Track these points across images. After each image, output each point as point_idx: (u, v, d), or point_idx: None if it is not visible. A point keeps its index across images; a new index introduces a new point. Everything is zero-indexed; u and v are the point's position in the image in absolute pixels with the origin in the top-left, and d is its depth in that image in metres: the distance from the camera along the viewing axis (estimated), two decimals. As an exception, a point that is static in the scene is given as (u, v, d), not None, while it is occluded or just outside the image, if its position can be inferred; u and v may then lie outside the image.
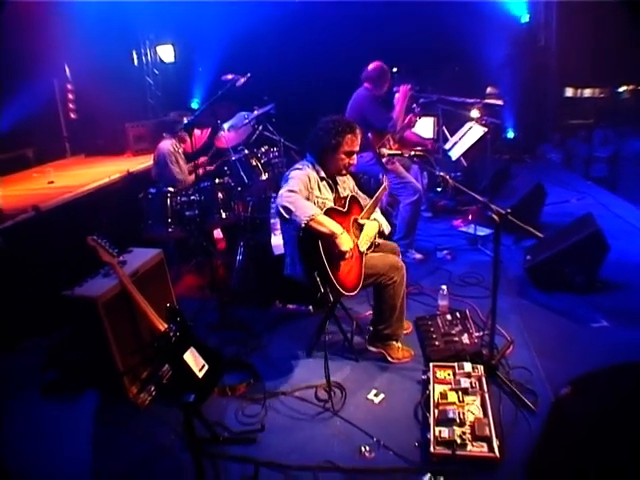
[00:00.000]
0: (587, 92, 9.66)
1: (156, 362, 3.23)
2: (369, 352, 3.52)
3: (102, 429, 3.04)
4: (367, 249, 3.25)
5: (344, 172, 3.34)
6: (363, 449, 2.68)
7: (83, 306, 3.00)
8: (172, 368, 2.82)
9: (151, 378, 3.29)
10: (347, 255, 2.90)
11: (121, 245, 3.27)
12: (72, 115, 7.53)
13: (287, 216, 2.84)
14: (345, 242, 2.88)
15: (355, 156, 3.30)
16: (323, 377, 3.24)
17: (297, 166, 3.27)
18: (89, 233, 3.06)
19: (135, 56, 8.39)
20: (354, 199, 3.32)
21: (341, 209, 3.16)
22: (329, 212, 2.98)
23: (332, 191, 3.33)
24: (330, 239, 2.88)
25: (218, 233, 5.51)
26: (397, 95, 4.81)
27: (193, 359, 2.83)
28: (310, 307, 4.11)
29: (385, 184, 3.70)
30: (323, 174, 3.27)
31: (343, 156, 3.22)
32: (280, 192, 2.96)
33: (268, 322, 4.04)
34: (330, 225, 2.87)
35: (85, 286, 3.11)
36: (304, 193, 3.03)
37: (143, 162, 6.20)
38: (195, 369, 2.80)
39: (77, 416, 3.20)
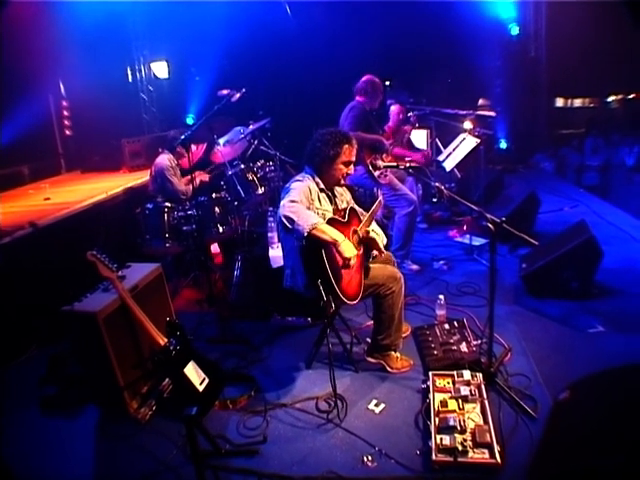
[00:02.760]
0: (577, 102, 9.82)
1: (156, 376, 3.23)
2: (368, 363, 3.53)
3: (103, 444, 3.04)
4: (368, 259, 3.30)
5: (342, 182, 3.38)
6: (365, 459, 2.69)
7: (83, 321, 3.01)
8: (173, 382, 2.83)
9: (151, 392, 3.29)
10: (352, 262, 2.94)
11: (119, 260, 3.28)
12: (67, 131, 7.58)
13: (290, 226, 2.87)
14: (348, 249, 2.91)
15: (352, 165, 3.36)
16: (323, 388, 3.27)
17: (297, 178, 3.31)
18: (87, 249, 3.06)
19: (129, 72, 8.47)
20: (353, 210, 3.36)
21: (342, 219, 3.20)
22: (331, 222, 3.01)
23: (331, 203, 3.39)
24: (333, 247, 2.92)
25: (215, 248, 5.53)
26: (392, 108, 4.87)
27: (193, 373, 2.84)
28: (309, 319, 4.12)
29: (380, 198, 3.75)
30: (322, 186, 3.32)
31: (341, 166, 3.27)
32: (282, 202, 3.00)
33: (267, 335, 4.05)
34: (332, 233, 2.90)
35: (85, 301, 3.12)
36: (305, 204, 3.07)
37: (139, 178, 6.23)
38: (196, 383, 2.81)
39: (77, 431, 3.20)
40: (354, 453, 2.75)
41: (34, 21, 6.10)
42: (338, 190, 3.50)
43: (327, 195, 3.37)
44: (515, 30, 9.07)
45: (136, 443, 2.99)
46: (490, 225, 2.95)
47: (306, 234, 2.82)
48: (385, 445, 2.78)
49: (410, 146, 6.13)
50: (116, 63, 7.99)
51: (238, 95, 4.51)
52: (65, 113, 7.54)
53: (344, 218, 3.22)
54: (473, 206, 3.21)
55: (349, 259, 2.92)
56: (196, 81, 8.51)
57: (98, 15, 6.64)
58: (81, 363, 3.33)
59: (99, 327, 2.96)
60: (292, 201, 2.97)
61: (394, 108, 5.73)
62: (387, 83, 7.68)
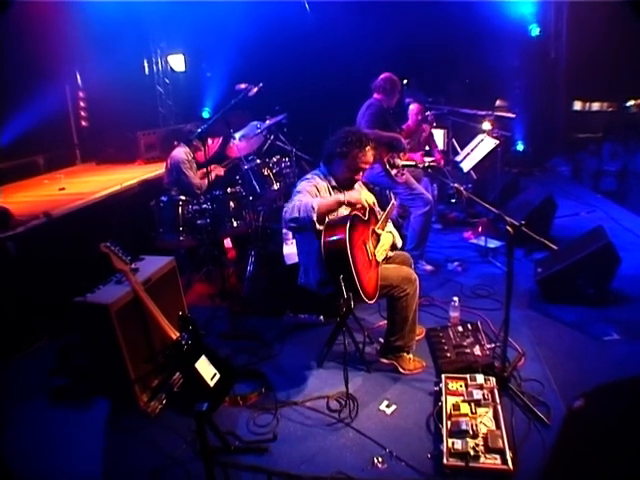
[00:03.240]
0: (595, 106, 9.69)
1: (167, 370, 3.23)
2: (380, 363, 3.51)
3: (112, 437, 3.04)
4: (382, 260, 3.28)
5: (349, 184, 3.34)
6: (375, 460, 2.67)
7: (95, 313, 3.01)
8: (183, 377, 2.83)
9: (162, 386, 3.28)
10: (365, 205, 3.05)
11: (132, 253, 3.28)
12: (83, 122, 7.61)
13: (296, 224, 2.89)
14: (355, 196, 3.01)
15: (361, 173, 3.32)
16: (334, 387, 3.25)
17: (306, 176, 3.31)
18: (100, 240, 3.05)
19: (146, 65, 8.48)
20: (372, 210, 3.33)
21: (363, 217, 3.17)
22: (354, 219, 2.99)
23: None
24: (340, 206, 3.01)
25: (227, 242, 5.53)
26: (411, 107, 4.81)
27: (205, 368, 2.82)
28: (321, 317, 4.10)
29: (393, 201, 3.72)
30: (334, 183, 3.29)
31: (346, 169, 3.24)
32: (284, 214, 2.97)
33: (279, 331, 4.03)
34: (332, 199, 2.98)
35: (97, 293, 3.12)
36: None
37: (154, 170, 6.23)
38: (207, 378, 2.79)
39: (87, 423, 3.20)
40: (364, 454, 2.73)
41: (53, 12, 6.12)
42: (356, 188, 3.45)
43: (341, 192, 3.32)
44: (535, 31, 8.95)
45: (145, 437, 2.99)
46: (509, 228, 2.91)
47: (314, 217, 2.82)
48: (396, 447, 2.76)
49: (428, 145, 6.08)
50: (133, 55, 8.00)
51: (255, 89, 4.50)
52: (81, 104, 7.56)
53: (365, 216, 3.20)
54: (492, 208, 3.17)
55: (362, 203, 3.03)
56: (213, 74, 8.50)
57: (116, 7, 6.66)
58: (92, 355, 3.33)
59: (111, 319, 2.96)
60: (292, 206, 2.95)
61: (413, 107, 5.69)
62: (405, 82, 7.63)
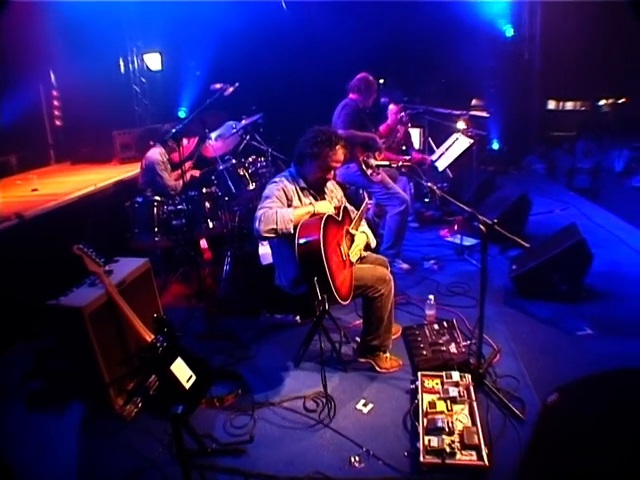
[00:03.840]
0: (569, 105, 9.86)
1: (142, 373, 3.19)
2: (357, 362, 3.52)
3: (88, 441, 3.00)
4: (356, 260, 3.29)
5: (321, 184, 3.35)
6: (353, 459, 2.68)
7: (69, 316, 2.96)
8: (159, 379, 2.80)
9: (137, 389, 3.25)
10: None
11: (107, 254, 3.24)
12: (57, 122, 7.48)
13: (274, 235, 2.93)
14: (323, 207, 3.08)
15: (332, 172, 3.31)
16: (311, 387, 3.26)
17: (274, 179, 3.30)
18: (74, 242, 3.01)
19: (122, 64, 8.36)
20: (345, 210, 3.34)
21: (337, 218, 3.18)
22: (327, 220, 2.99)
23: (316, 200, 3.31)
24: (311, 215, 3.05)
25: (203, 243, 5.49)
26: (390, 107, 4.82)
27: (180, 370, 2.79)
28: (297, 317, 4.09)
29: (366, 201, 3.73)
30: (304, 184, 3.28)
31: (318, 169, 3.23)
32: (257, 225, 2.95)
33: (256, 332, 4.02)
34: (303, 209, 3.05)
35: (71, 296, 3.07)
36: (281, 206, 3.09)
37: (130, 170, 6.16)
38: (183, 380, 2.76)
39: (62, 427, 3.15)
40: (341, 454, 2.73)
41: (25, 10, 5.99)
42: (328, 187, 3.46)
43: (311, 193, 3.33)
44: (510, 32, 9.08)
45: (121, 441, 2.95)
46: (482, 226, 2.94)
47: (293, 230, 2.89)
48: (373, 446, 2.77)
49: (405, 145, 6.11)
50: (109, 54, 7.88)
51: (231, 89, 4.47)
52: (55, 103, 7.44)
53: (339, 217, 3.20)
54: (465, 207, 3.20)
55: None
56: (189, 74, 8.42)
57: (91, 5, 6.56)
58: (66, 359, 3.28)
59: (85, 322, 2.92)
60: (260, 218, 2.95)
61: (392, 107, 5.71)
62: (381, 81, 7.66)
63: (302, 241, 2.90)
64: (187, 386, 2.75)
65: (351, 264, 3.22)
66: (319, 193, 3.38)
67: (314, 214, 3.05)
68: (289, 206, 3.12)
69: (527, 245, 3.01)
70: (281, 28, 7.85)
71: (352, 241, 3.32)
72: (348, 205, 3.53)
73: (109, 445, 2.93)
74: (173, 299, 4.70)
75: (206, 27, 7.69)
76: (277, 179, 3.27)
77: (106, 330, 3.08)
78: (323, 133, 3.19)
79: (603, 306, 4.11)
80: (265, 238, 2.98)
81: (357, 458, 2.68)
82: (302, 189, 3.27)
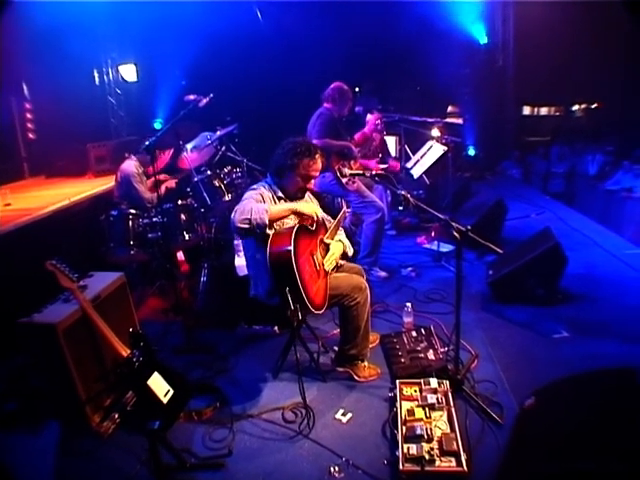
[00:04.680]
0: (543, 110, 10.04)
1: (119, 389, 3.15)
2: (336, 372, 3.51)
3: (65, 460, 2.94)
4: (332, 269, 3.29)
5: (299, 195, 3.35)
6: (332, 469, 2.67)
7: (42, 333, 2.91)
8: (136, 395, 2.76)
9: (115, 405, 3.20)
10: (315, 218, 3.13)
11: (83, 269, 3.19)
12: (31, 135, 7.35)
13: (248, 226, 2.86)
14: (307, 208, 3.08)
15: (312, 181, 3.33)
16: (290, 398, 3.24)
17: (252, 187, 3.30)
18: (48, 258, 2.96)
19: (97, 75, 8.29)
20: (320, 220, 3.34)
21: (310, 228, 3.18)
22: (299, 230, 2.99)
23: None
24: (293, 215, 3.09)
25: (180, 256, 5.44)
26: (369, 117, 4.85)
27: (157, 384, 2.77)
28: (275, 328, 4.07)
29: (344, 209, 3.74)
30: (281, 194, 3.28)
31: (299, 179, 3.24)
32: (232, 216, 2.94)
33: (234, 344, 3.99)
34: (285, 206, 3.05)
35: (44, 312, 3.02)
36: None
37: (105, 183, 6.10)
38: (160, 395, 2.73)
39: (39, 447, 3.08)
40: (321, 464, 2.72)
41: (-4, 21, 5.93)
42: (306, 198, 3.47)
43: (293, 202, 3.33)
44: (483, 39, 9.23)
45: (99, 458, 2.90)
46: (456, 233, 2.97)
47: (267, 222, 2.86)
48: (352, 455, 2.76)
49: (381, 152, 6.14)
50: (83, 65, 7.78)
51: (205, 100, 4.46)
52: (28, 116, 7.32)
53: (312, 227, 3.21)
54: (439, 214, 3.23)
55: (313, 216, 3.09)
56: (164, 85, 8.39)
57: (64, 16, 6.48)
58: (41, 377, 3.22)
59: (59, 339, 2.87)
60: (240, 206, 2.97)
61: (370, 117, 5.73)
62: (356, 90, 7.72)
63: (274, 250, 2.90)
64: (165, 400, 2.72)
65: (326, 273, 3.22)
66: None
67: (296, 212, 3.07)
68: None
69: (500, 251, 3.06)
70: (255, 39, 7.89)
71: (327, 250, 3.32)
72: (324, 214, 3.54)
73: (86, 464, 2.88)
74: (150, 313, 4.65)
75: (181, 38, 7.68)
76: (255, 186, 3.29)
77: (81, 346, 3.03)
78: (301, 144, 3.22)
79: (578, 308, 4.18)
80: (240, 230, 2.91)
81: (337, 468, 2.67)
82: (279, 198, 3.27)
